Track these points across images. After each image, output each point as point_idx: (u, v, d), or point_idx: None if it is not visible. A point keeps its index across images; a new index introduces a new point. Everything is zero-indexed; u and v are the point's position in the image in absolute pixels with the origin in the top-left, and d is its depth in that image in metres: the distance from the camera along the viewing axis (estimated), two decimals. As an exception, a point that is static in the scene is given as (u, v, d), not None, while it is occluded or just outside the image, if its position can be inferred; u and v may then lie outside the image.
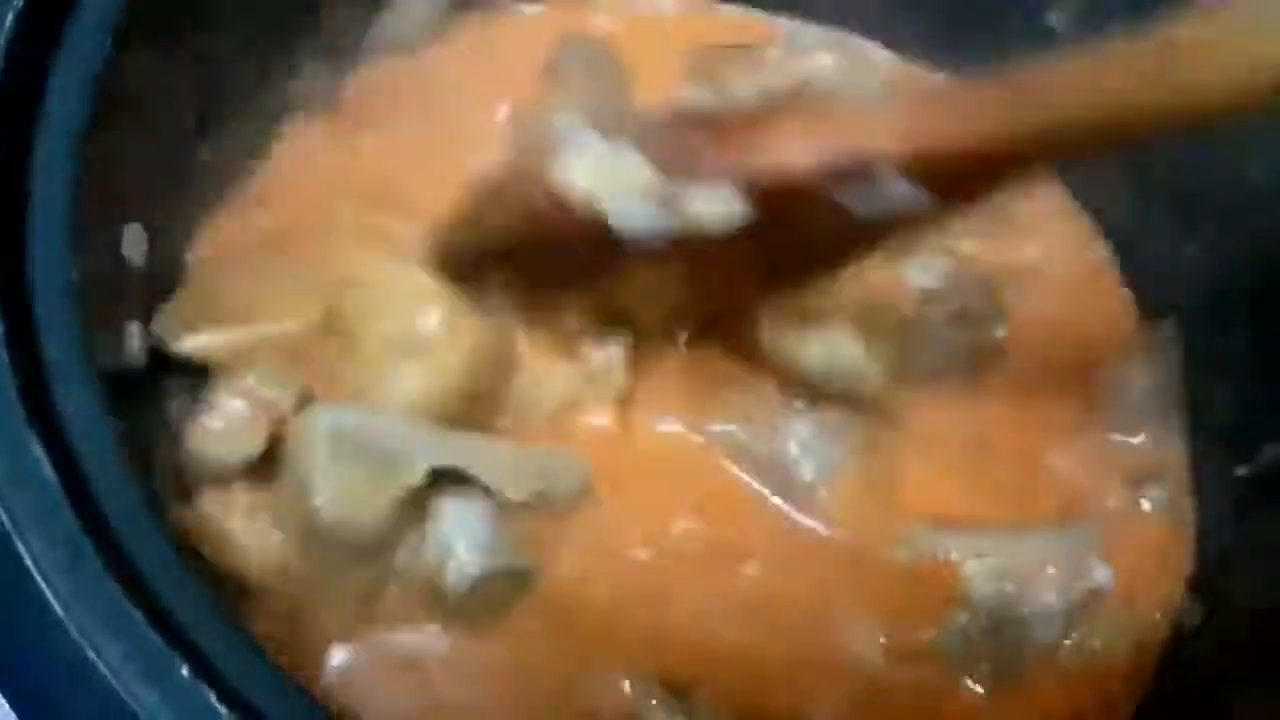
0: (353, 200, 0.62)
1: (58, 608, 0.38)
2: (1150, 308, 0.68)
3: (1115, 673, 0.59)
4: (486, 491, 0.54)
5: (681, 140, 0.49)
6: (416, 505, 0.53)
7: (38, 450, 0.40)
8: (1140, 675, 0.60)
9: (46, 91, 0.47)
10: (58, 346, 0.43)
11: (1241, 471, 0.62)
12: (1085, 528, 0.61)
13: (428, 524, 0.53)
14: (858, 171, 0.45)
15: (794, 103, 0.55)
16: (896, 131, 0.46)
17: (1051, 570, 0.58)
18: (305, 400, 0.54)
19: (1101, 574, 0.59)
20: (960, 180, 0.47)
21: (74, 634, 0.38)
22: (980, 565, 0.58)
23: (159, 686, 0.38)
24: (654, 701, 0.53)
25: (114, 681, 0.37)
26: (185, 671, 0.38)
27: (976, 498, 0.61)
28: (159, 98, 0.54)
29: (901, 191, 0.45)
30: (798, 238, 0.49)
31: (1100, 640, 0.59)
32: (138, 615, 0.39)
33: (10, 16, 0.46)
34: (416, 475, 0.52)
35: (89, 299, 0.46)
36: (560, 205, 0.48)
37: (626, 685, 0.54)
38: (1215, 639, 0.60)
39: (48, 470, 0.40)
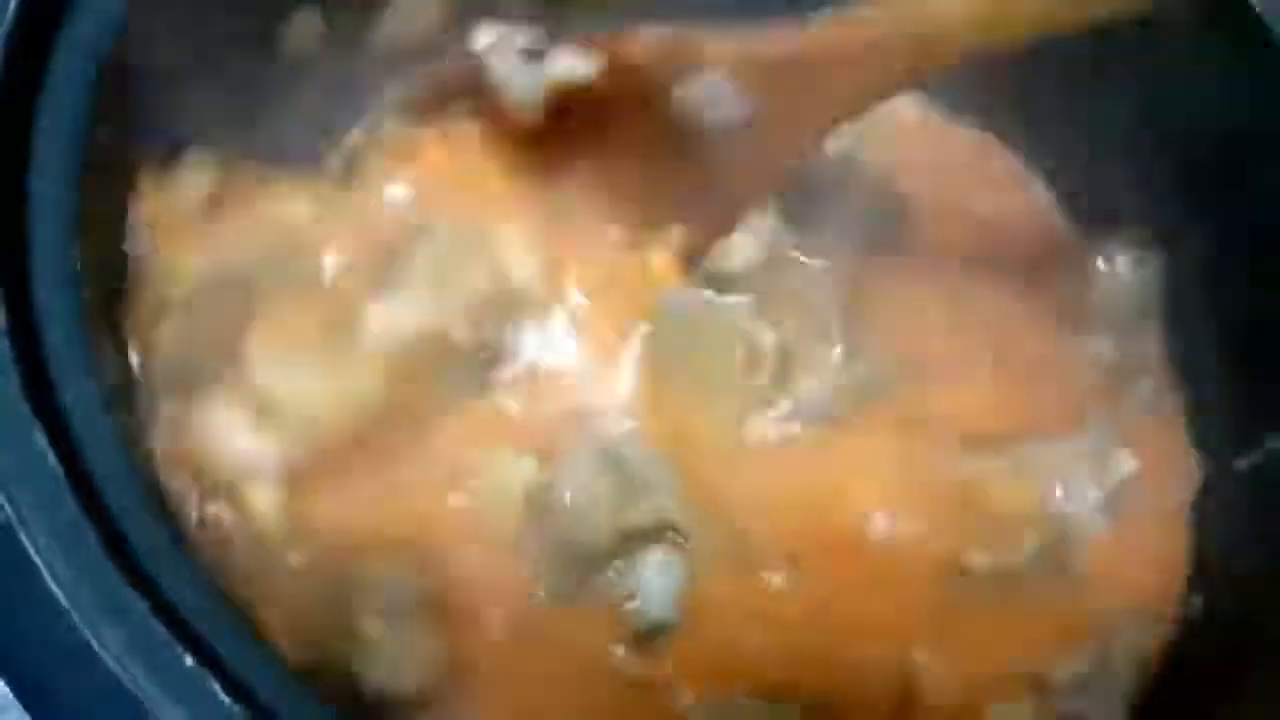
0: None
1: (61, 597, 0.38)
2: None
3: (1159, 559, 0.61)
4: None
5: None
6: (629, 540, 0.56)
7: (41, 441, 0.40)
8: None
9: (47, 81, 0.48)
10: (61, 338, 0.44)
11: (1241, 465, 0.62)
12: (1101, 424, 0.63)
13: (635, 563, 0.56)
14: (686, 61, 0.56)
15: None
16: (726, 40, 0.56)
17: (1084, 466, 0.61)
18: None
19: (1128, 463, 0.61)
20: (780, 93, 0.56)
21: (77, 623, 0.38)
22: (1017, 478, 0.60)
23: (163, 675, 0.38)
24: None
25: (117, 670, 0.37)
26: (189, 661, 0.38)
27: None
28: (161, 86, 0.54)
29: (727, 97, 0.56)
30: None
31: (1139, 528, 0.61)
32: (141, 604, 0.39)
33: (11, 7, 0.46)
34: (650, 515, 0.56)
35: (92, 289, 0.46)
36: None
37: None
38: (1215, 634, 0.60)
39: (51, 461, 0.40)
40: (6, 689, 0.38)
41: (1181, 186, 0.64)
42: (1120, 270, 0.66)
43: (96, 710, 0.38)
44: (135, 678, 0.37)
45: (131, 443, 0.44)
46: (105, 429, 0.43)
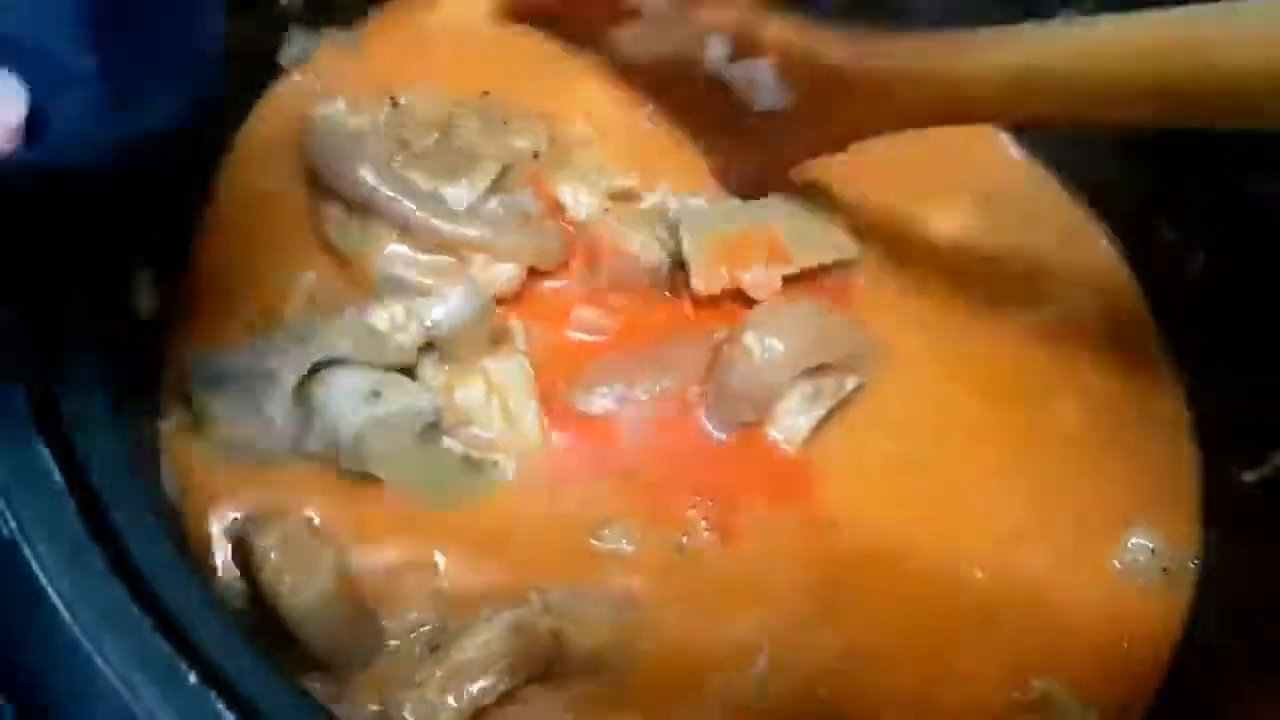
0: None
1: (64, 611, 0.38)
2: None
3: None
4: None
5: None
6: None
7: (45, 455, 0.40)
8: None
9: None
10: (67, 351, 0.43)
11: (1249, 477, 0.62)
12: None
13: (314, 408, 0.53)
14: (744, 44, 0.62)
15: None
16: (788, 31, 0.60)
17: None
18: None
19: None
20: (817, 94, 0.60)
21: (79, 638, 0.38)
22: None
23: (165, 691, 0.38)
24: None
25: (119, 685, 0.37)
26: (192, 677, 0.38)
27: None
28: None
29: (769, 85, 0.61)
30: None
31: None
32: (144, 620, 0.39)
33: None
34: (288, 385, 0.52)
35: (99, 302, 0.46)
36: None
37: None
38: (1224, 640, 0.60)
39: (55, 475, 0.40)
40: (7, 702, 0.38)
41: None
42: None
43: (98, 726, 0.38)
44: (138, 694, 0.37)
45: (136, 458, 0.43)
46: (109, 444, 0.43)
